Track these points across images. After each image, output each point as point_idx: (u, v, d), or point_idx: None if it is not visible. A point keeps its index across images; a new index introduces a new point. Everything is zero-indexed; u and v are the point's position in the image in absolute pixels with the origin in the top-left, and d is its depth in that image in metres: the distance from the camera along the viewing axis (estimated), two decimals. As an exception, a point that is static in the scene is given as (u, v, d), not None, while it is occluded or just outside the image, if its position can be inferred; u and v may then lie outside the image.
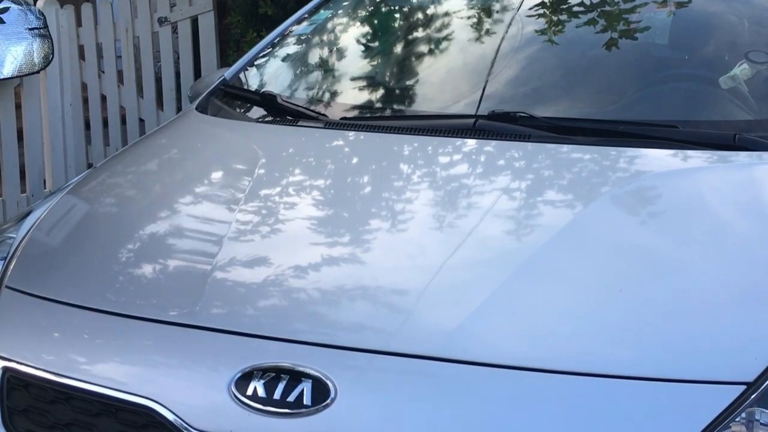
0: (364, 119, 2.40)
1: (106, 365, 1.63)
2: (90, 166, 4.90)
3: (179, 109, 5.33)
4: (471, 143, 2.15)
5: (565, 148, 2.08)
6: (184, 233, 1.95)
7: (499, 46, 2.56)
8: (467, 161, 2.13)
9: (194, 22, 5.38)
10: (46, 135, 4.63)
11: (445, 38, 2.73)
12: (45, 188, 4.62)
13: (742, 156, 2.01)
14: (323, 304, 1.66)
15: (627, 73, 2.47)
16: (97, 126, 5.09)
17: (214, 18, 5.42)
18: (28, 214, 2.13)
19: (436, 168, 2.12)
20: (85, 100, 5.01)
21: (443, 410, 1.44)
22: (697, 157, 2.04)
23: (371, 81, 2.66)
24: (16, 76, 4.22)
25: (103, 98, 5.10)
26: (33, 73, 4.29)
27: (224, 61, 5.48)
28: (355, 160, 2.27)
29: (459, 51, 2.68)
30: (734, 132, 2.07)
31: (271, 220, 1.96)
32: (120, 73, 5.17)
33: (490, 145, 2.13)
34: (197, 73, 5.34)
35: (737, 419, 1.38)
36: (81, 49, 4.93)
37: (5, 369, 1.66)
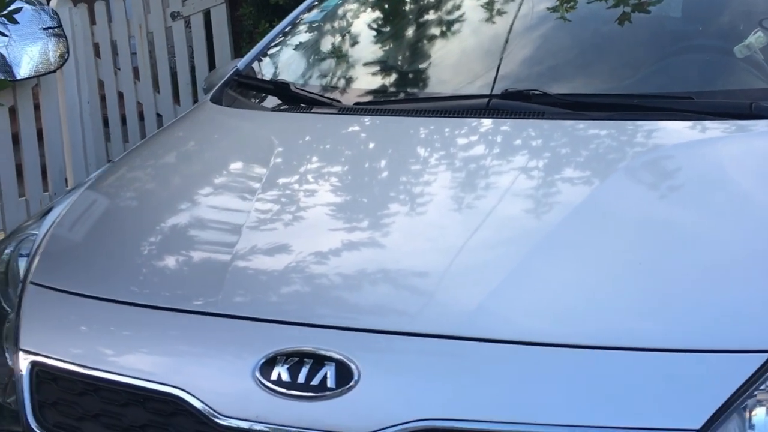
0: (378, 103, 2.41)
1: (131, 356, 1.66)
2: (109, 162, 4.94)
3: (195, 102, 5.35)
4: (486, 123, 2.16)
5: (581, 124, 2.08)
6: (204, 223, 1.96)
7: (512, 25, 2.55)
8: (483, 141, 2.13)
9: (207, 15, 5.40)
10: (66, 134, 4.67)
11: (457, 19, 2.72)
12: (67, 186, 4.67)
13: (760, 125, 2.00)
14: (344, 288, 1.67)
15: (640, 46, 2.46)
16: (116, 123, 5.12)
17: (226, 10, 5.43)
18: (49, 210, 2.16)
19: (452, 149, 2.12)
20: (103, 98, 5.04)
21: (467, 388, 1.45)
22: (714, 128, 2.03)
23: (384, 65, 2.66)
24: (33, 76, 4.26)
25: (120, 95, 5.13)
26: (49, 73, 4.33)
27: (238, 52, 5.48)
28: (370, 145, 2.28)
29: (471, 32, 2.68)
30: (750, 101, 2.05)
31: (289, 207, 1.98)
32: (135, 70, 5.20)
33: (505, 124, 2.13)
34: (212, 66, 5.35)
35: (762, 387, 1.38)
36: (96, 47, 4.96)
37: (34, 363, 1.69)
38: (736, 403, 1.36)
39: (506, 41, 2.49)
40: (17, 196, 4.43)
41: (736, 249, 1.65)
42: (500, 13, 2.66)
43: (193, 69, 5.43)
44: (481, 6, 2.72)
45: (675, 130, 2.04)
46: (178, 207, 2.06)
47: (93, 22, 4.91)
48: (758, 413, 1.37)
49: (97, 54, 4.98)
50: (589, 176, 1.93)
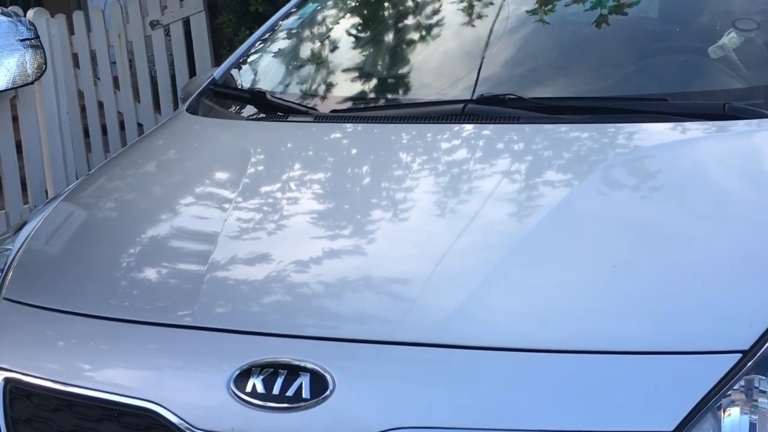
0: (355, 111, 2.41)
1: (107, 371, 1.64)
2: (91, 173, 4.92)
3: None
4: (462, 128, 2.16)
5: (559, 127, 2.08)
6: (180, 234, 1.95)
7: (490, 29, 2.56)
8: (460, 146, 2.13)
9: (186, 23, 5.39)
10: (45, 145, 4.65)
11: (435, 25, 2.73)
12: (47, 198, 4.64)
13: (738, 125, 2.00)
14: (324, 297, 1.66)
15: (617, 49, 2.47)
16: (96, 133, 5.10)
17: (205, 18, 5.42)
18: (23, 224, 2.15)
19: (430, 154, 2.12)
20: (83, 108, 5.02)
21: (445, 395, 1.45)
22: (690, 129, 2.04)
23: (361, 72, 2.66)
24: (11, 88, 4.24)
25: (100, 105, 5.12)
26: (27, 84, 4.29)
27: (218, 60, 5.47)
28: (348, 152, 2.27)
29: (449, 37, 2.68)
30: (724, 101, 2.06)
31: (266, 216, 1.97)
32: (115, 79, 5.18)
33: (484, 129, 2.14)
34: (192, 75, 5.34)
35: (735, 387, 1.38)
36: (75, 57, 4.94)
37: (7, 380, 1.67)
38: (710, 403, 1.37)
39: (484, 46, 2.50)
40: (-3, 209, 4.40)
41: (710, 250, 1.65)
42: (478, 17, 2.67)
43: (173, 78, 5.41)
44: (459, 11, 2.73)
45: (651, 132, 2.05)
46: (155, 218, 2.04)
47: (71, 32, 4.89)
48: (732, 413, 1.37)
49: (77, 64, 4.96)
50: (567, 180, 1.92)
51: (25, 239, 2.02)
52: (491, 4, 2.68)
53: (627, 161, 1.96)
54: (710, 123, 2.02)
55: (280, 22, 2.94)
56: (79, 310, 1.73)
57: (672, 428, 1.35)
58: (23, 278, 1.89)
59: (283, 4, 3.87)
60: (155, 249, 1.90)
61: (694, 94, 2.21)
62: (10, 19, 3.99)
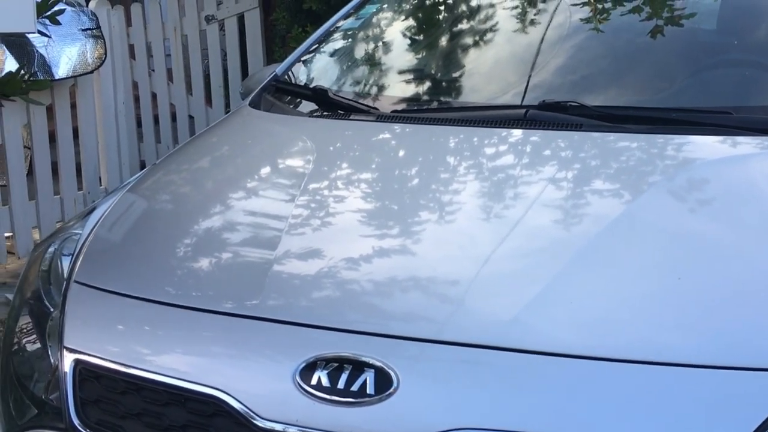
0: (415, 111, 2.43)
1: (173, 356, 1.68)
2: (142, 162, 5.01)
3: (227, 105, 5.41)
4: (522, 133, 2.16)
5: (621, 137, 2.08)
6: (242, 227, 1.99)
7: (545, 35, 2.56)
8: (520, 152, 2.14)
9: (240, 19, 5.46)
10: (101, 133, 4.73)
11: (492, 29, 2.74)
12: (101, 185, 4.73)
13: None
14: (391, 295, 1.68)
15: (675, 59, 2.46)
16: (149, 123, 5.19)
17: (259, 15, 5.48)
18: (91, 211, 2.20)
19: (488, 159, 2.14)
20: (136, 99, 5.11)
21: (505, 398, 1.46)
22: (751, 143, 2.03)
23: (420, 73, 2.68)
24: (71, 77, 4.33)
25: (154, 96, 5.20)
26: (87, 73, 4.40)
27: (270, 57, 5.54)
28: (406, 153, 2.30)
29: (506, 41, 2.69)
30: (789, 117, 2.05)
31: (328, 213, 2.00)
32: (169, 72, 5.26)
33: (543, 135, 2.14)
34: (244, 70, 5.41)
35: None
36: (131, 48, 5.02)
37: (77, 361, 1.71)
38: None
39: (540, 51, 2.50)
40: (52, 193, 4.49)
41: None
42: (534, 23, 2.67)
43: (225, 72, 5.48)
44: (516, 16, 2.74)
45: (711, 145, 2.04)
46: (217, 211, 2.08)
47: (129, 24, 4.98)
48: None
49: (132, 56, 5.05)
50: (624, 189, 1.93)
51: (94, 226, 2.07)
52: (548, 11, 2.69)
53: (687, 174, 1.95)
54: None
55: (341, 22, 2.98)
56: (150, 296, 1.77)
57: None
58: (93, 263, 1.93)
59: (337, 4, 3.92)
60: (221, 240, 1.94)
61: (758, 109, 2.20)
62: (73, 8, 4.08)
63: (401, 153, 2.31)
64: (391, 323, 1.63)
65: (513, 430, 1.42)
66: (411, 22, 3.00)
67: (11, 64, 3.89)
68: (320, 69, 2.77)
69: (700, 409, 1.40)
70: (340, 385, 1.50)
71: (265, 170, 2.25)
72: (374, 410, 1.47)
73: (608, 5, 2.68)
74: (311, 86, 2.58)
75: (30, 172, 4.55)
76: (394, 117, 2.36)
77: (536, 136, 2.15)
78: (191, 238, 1.97)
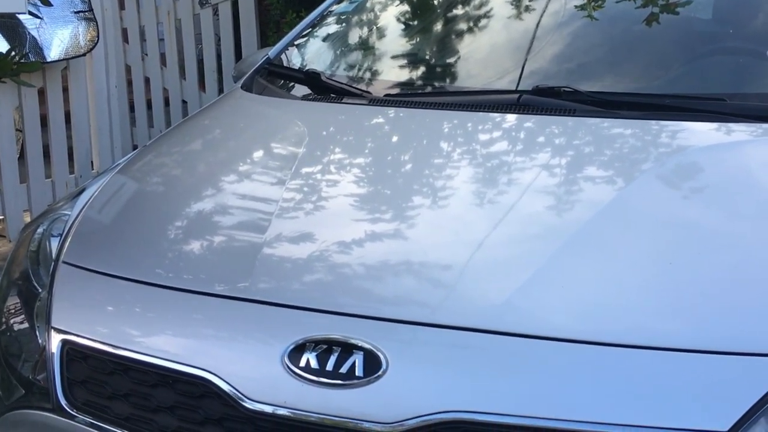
0: (408, 96, 2.42)
1: (161, 337, 1.67)
2: (134, 147, 4.99)
3: (221, 90, 5.39)
4: (516, 119, 2.16)
5: (612, 122, 2.08)
6: (233, 210, 1.98)
7: (540, 21, 2.56)
8: (513, 137, 2.14)
9: (234, 4, 5.43)
10: (93, 117, 4.71)
11: (486, 14, 2.73)
12: (92, 169, 4.71)
13: None
14: (379, 278, 1.68)
15: (670, 46, 2.45)
16: (141, 108, 5.17)
17: (253, -1, 5.46)
18: (80, 192, 2.18)
19: (482, 144, 2.13)
20: (129, 83, 5.08)
21: (493, 382, 1.46)
22: (745, 131, 2.02)
23: (414, 58, 2.67)
24: (63, 59, 4.30)
25: (147, 80, 5.18)
26: (79, 56, 4.37)
27: (264, 42, 5.52)
28: (399, 137, 2.29)
29: (500, 27, 2.68)
30: (783, 103, 2.05)
31: (317, 197, 1.99)
32: (162, 56, 5.24)
33: (536, 121, 2.14)
34: (238, 55, 5.39)
35: None
36: (124, 32, 5.00)
37: (64, 342, 1.71)
38: (766, 406, 1.36)
39: (535, 37, 2.50)
40: (44, 177, 4.47)
41: (766, 251, 1.64)
42: (529, 8, 2.66)
43: (219, 57, 5.46)
44: (510, 2, 2.73)
45: (705, 131, 2.04)
46: (207, 193, 2.07)
47: (122, 7, 4.95)
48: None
49: (125, 39, 5.02)
50: (617, 175, 1.92)
51: (83, 207, 2.06)
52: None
53: (680, 160, 1.95)
54: (761, 125, 2.01)
55: (334, 6, 2.96)
56: (138, 277, 1.76)
57: (727, 428, 1.34)
58: (82, 244, 1.92)
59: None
60: (211, 222, 1.93)
61: (752, 96, 2.19)
62: (66, -10, 4.04)
63: (394, 137, 2.30)
64: (381, 306, 1.62)
65: (502, 413, 1.41)
66: (404, 6, 2.98)
67: (2, 46, 3.86)
68: (313, 53, 2.75)
69: (691, 394, 1.39)
70: (329, 367, 1.49)
71: (257, 153, 2.24)
72: (362, 392, 1.46)
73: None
74: (304, 69, 2.57)
75: (21, 156, 4.52)
76: (387, 101, 2.35)
77: (530, 121, 2.15)
78: (181, 220, 1.96)
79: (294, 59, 2.71)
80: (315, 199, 1.97)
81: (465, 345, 1.52)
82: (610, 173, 1.93)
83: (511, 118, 2.16)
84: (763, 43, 2.36)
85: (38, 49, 4.05)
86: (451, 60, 2.63)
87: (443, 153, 2.11)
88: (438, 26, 2.83)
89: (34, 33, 4.01)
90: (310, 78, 2.48)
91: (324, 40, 2.81)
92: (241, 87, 2.59)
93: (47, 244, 1.98)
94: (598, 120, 2.09)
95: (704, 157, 1.96)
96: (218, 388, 1.53)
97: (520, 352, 1.49)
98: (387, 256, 1.73)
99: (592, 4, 2.61)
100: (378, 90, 2.42)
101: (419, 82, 2.54)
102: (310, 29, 2.85)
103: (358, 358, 1.49)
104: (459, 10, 2.84)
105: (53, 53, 4.11)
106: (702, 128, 2.04)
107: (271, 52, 2.75)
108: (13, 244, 2.20)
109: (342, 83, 2.45)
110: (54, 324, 1.74)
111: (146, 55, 5.15)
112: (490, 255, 1.68)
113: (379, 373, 1.47)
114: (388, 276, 1.69)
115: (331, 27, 2.87)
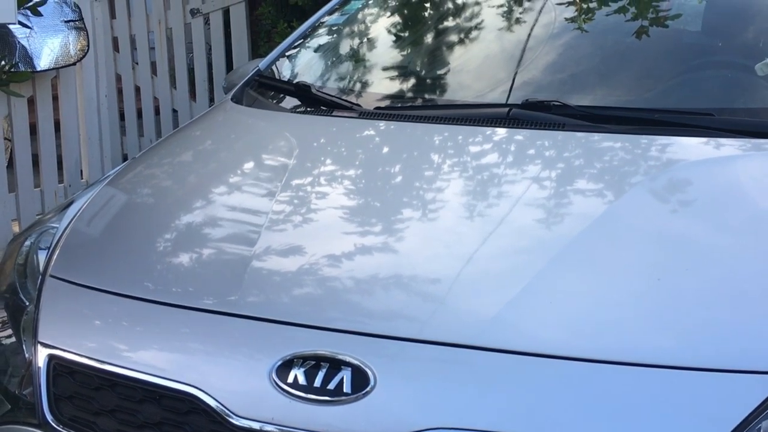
0: (399, 109, 2.42)
1: (148, 352, 1.67)
2: (125, 156, 4.97)
3: (212, 99, 5.38)
4: (505, 132, 2.16)
5: (601, 136, 2.08)
6: (222, 223, 1.97)
7: (530, 34, 2.57)
8: (503, 151, 2.14)
9: (226, 13, 5.42)
10: (83, 126, 4.69)
11: (477, 27, 2.73)
12: (82, 178, 4.69)
13: None
14: (362, 293, 1.68)
15: (659, 60, 2.46)
16: (132, 117, 5.15)
17: (245, 9, 5.45)
18: (69, 204, 2.17)
19: (471, 157, 2.13)
20: (120, 92, 5.07)
21: (481, 398, 1.46)
22: (733, 145, 2.03)
23: (404, 71, 2.67)
24: (53, 68, 4.29)
25: (137, 89, 5.16)
26: (69, 65, 4.35)
27: (256, 51, 5.51)
28: (389, 150, 2.29)
29: (491, 40, 2.69)
30: (770, 119, 2.06)
31: (307, 211, 1.99)
32: (153, 65, 5.22)
33: (526, 135, 2.14)
34: (229, 64, 5.38)
35: None
36: (115, 41, 4.98)
37: (51, 356, 1.70)
38: (752, 424, 1.36)
39: (525, 51, 2.51)
40: (32, 186, 4.45)
41: (753, 268, 1.65)
42: (520, 22, 2.67)
43: (210, 66, 5.45)
44: (501, 15, 2.74)
45: (693, 146, 2.05)
46: (197, 206, 2.07)
47: (113, 16, 4.94)
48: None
49: (116, 48, 5.01)
50: (606, 189, 1.93)
51: (71, 219, 2.05)
52: (533, 10, 2.69)
53: (668, 175, 1.96)
54: (749, 140, 2.02)
55: (325, 18, 2.96)
56: (126, 291, 1.75)
57: None
58: (70, 257, 1.91)
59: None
60: (199, 236, 1.92)
61: (740, 111, 2.20)
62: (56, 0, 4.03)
63: (384, 150, 2.30)
64: (369, 321, 1.62)
65: (490, 430, 1.41)
66: (396, 18, 2.99)
67: (-8, 55, 3.85)
68: (304, 64, 2.75)
69: (678, 410, 1.40)
70: (317, 383, 1.49)
71: (247, 166, 2.23)
72: (350, 409, 1.46)
73: (593, 5, 2.69)
74: (294, 82, 2.57)
75: (10, 165, 4.50)
76: (378, 114, 2.35)
77: (519, 135, 2.15)
78: (170, 233, 1.95)
79: (285, 71, 2.71)
80: (305, 212, 1.97)
81: (453, 361, 1.51)
82: (599, 187, 1.94)
83: (501, 131, 2.17)
84: (752, 58, 2.37)
85: (28, 59, 4.03)
86: (441, 73, 2.64)
87: (433, 166, 2.11)
88: (429, 39, 2.84)
89: (24, 42, 3.99)
90: (301, 90, 2.48)
91: (315, 52, 2.81)
92: (232, 99, 2.59)
93: (35, 257, 1.96)
94: (587, 134, 2.10)
95: (693, 171, 1.97)
96: (205, 404, 1.53)
97: (508, 368, 1.49)
98: (376, 269, 1.73)
99: (582, 17, 2.62)
100: (368, 103, 2.42)
101: (409, 95, 2.54)
102: (301, 41, 2.85)
103: (346, 374, 1.49)
104: (450, 23, 2.85)
105: (43, 62, 4.09)
106: (690, 143, 2.05)
107: (262, 63, 2.75)
108: (0, 255, 2.19)
109: (332, 96, 2.45)
110: (41, 338, 1.73)
111: (137, 64, 5.14)
112: (479, 269, 1.68)
113: (367, 389, 1.47)
114: (378, 290, 1.69)
115: (322, 39, 2.88)
